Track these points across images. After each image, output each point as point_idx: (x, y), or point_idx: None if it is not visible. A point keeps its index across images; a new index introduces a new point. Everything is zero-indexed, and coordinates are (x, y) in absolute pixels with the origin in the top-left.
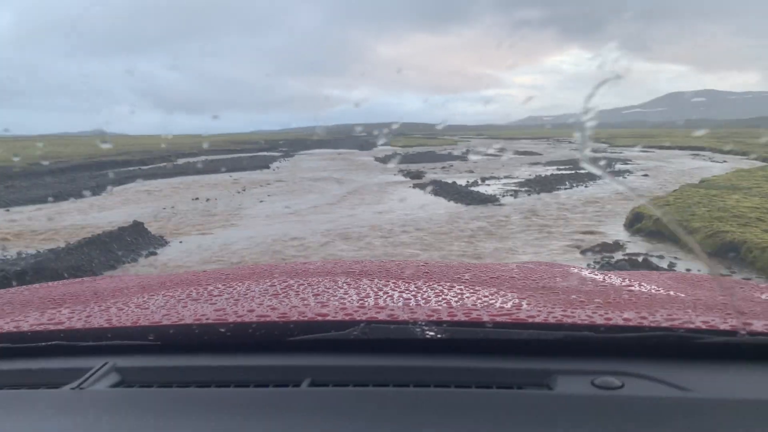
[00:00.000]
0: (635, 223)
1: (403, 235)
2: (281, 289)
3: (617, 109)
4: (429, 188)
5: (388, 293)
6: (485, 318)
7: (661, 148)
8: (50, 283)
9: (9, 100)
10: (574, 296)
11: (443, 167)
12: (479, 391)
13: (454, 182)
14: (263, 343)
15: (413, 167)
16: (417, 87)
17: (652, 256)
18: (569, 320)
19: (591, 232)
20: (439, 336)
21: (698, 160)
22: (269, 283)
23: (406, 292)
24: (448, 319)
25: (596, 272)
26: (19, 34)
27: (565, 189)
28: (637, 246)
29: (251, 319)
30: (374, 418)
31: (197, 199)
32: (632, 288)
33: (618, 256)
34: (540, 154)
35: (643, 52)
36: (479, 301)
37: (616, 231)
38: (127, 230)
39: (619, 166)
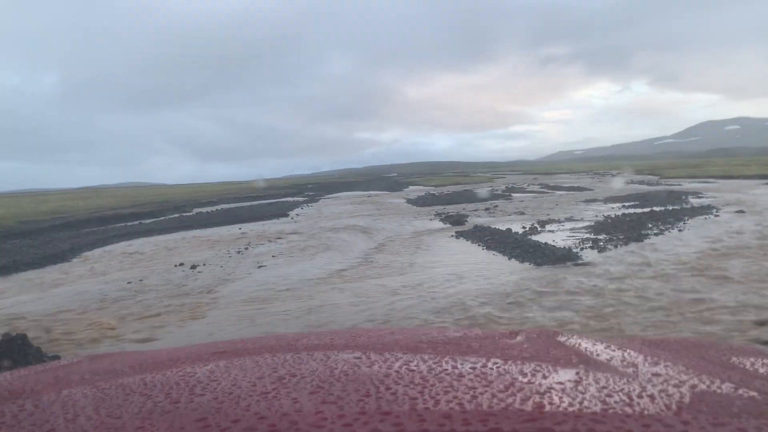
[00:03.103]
0: None
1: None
2: (271, 384)
3: (649, 140)
4: (477, 238)
5: (390, 387)
6: (505, 429)
7: (714, 177)
8: (19, 372)
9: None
10: (602, 384)
11: (486, 209)
12: None
13: (508, 229)
14: None
15: (451, 209)
16: (446, 126)
17: None
18: (605, 430)
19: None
20: None
21: None
22: (258, 373)
23: (411, 386)
24: (464, 429)
25: (613, 345)
26: (63, 91)
27: (656, 235)
28: None
29: None
30: None
31: (182, 264)
32: (658, 368)
33: None
34: (591, 190)
35: (673, 82)
36: (495, 399)
37: None
38: None
39: (693, 200)
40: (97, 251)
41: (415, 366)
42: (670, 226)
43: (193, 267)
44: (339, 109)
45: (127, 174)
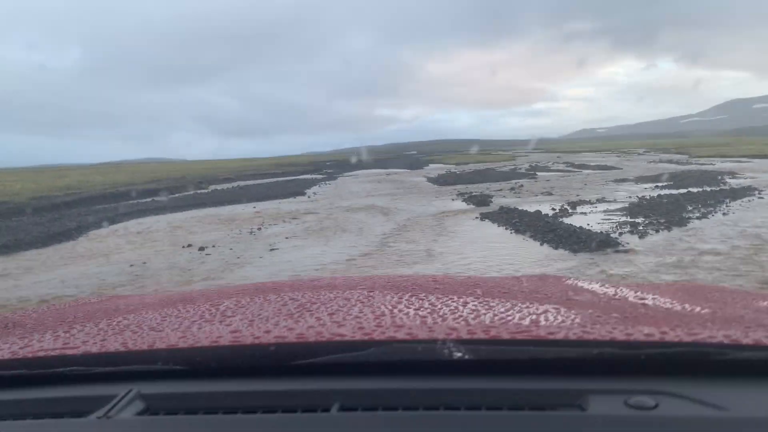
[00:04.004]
0: None
1: None
2: (294, 308)
3: (674, 119)
4: (504, 221)
5: (402, 310)
6: (505, 335)
7: (746, 156)
8: (58, 305)
9: (76, 130)
10: (590, 311)
11: (512, 188)
12: (512, 413)
13: (538, 211)
14: (285, 366)
15: (474, 189)
16: (467, 103)
17: None
18: (590, 336)
19: None
20: (466, 357)
21: None
22: (281, 302)
23: (422, 309)
24: (468, 337)
25: (607, 284)
26: (85, 67)
27: (699, 219)
28: None
29: (269, 341)
30: None
31: (189, 246)
32: (645, 301)
33: None
34: (619, 169)
35: (700, 60)
36: (496, 317)
37: None
38: None
39: (731, 181)
40: (105, 230)
41: (424, 296)
42: (712, 208)
43: (201, 249)
44: (359, 85)
45: (149, 150)
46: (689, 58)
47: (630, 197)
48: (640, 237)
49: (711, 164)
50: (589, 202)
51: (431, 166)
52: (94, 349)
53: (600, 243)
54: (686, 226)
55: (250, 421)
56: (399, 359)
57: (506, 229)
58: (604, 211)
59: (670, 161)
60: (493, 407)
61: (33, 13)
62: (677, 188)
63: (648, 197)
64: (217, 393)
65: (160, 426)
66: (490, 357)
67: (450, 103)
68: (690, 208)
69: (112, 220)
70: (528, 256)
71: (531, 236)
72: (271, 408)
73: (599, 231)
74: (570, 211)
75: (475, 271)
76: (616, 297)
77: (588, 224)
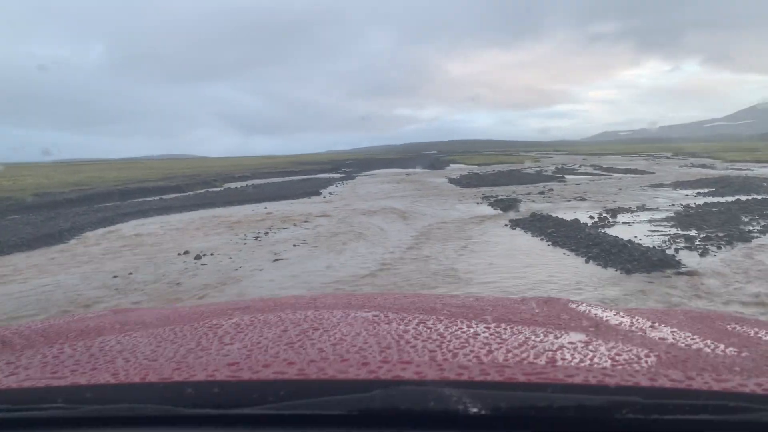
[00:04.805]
0: None
1: None
2: (296, 336)
3: (698, 123)
4: (538, 230)
5: (410, 342)
6: (521, 378)
7: None
8: (52, 320)
9: (99, 126)
10: (610, 344)
11: (540, 192)
12: None
13: (575, 219)
14: (282, 404)
15: (500, 192)
16: (488, 104)
17: None
18: (612, 382)
19: None
20: (482, 412)
21: None
22: (282, 328)
23: (430, 341)
24: (482, 378)
25: (619, 311)
26: (109, 63)
27: (762, 232)
28: None
29: (267, 377)
30: None
31: (186, 253)
32: (663, 334)
33: None
34: (652, 173)
35: (726, 63)
36: (510, 354)
37: None
38: None
39: None
40: (100, 231)
41: (432, 324)
42: None
43: (198, 257)
44: (379, 85)
45: (172, 146)
46: (715, 61)
47: (673, 205)
48: (700, 254)
49: (749, 170)
50: (630, 210)
51: (452, 166)
52: (83, 381)
53: (656, 263)
54: (750, 242)
55: None
56: (407, 408)
57: (541, 240)
58: (649, 221)
59: (703, 166)
60: None
61: (56, 9)
62: (722, 196)
63: (694, 205)
64: None
65: None
66: (508, 405)
67: (470, 103)
68: (746, 219)
69: (111, 221)
70: (574, 278)
71: (572, 250)
72: None
73: (651, 246)
74: (611, 220)
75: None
76: (633, 328)
77: (636, 237)
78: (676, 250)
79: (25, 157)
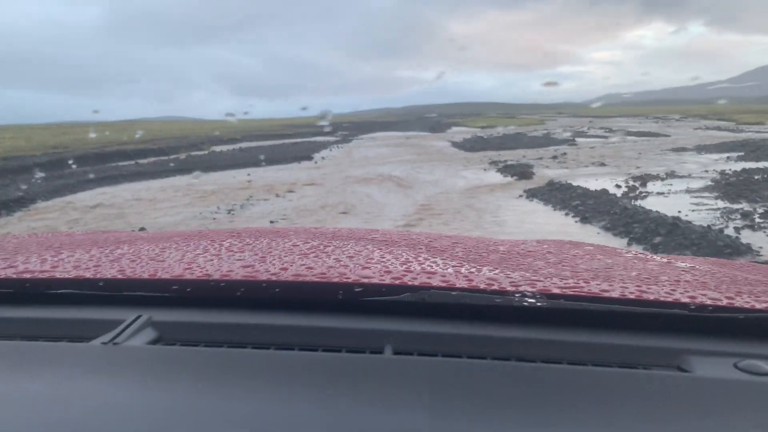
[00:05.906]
0: None
1: None
2: (307, 249)
3: (702, 85)
4: (559, 202)
5: (428, 259)
6: (554, 290)
7: None
8: (44, 234)
9: (96, 89)
10: (634, 273)
11: (553, 157)
12: (600, 370)
13: (603, 190)
14: (318, 303)
15: (509, 157)
16: (490, 65)
17: None
18: (652, 297)
19: None
20: (538, 304)
21: None
22: (291, 243)
23: (451, 257)
24: (513, 290)
25: (637, 251)
26: (106, 25)
27: None
28: None
29: (287, 278)
30: (480, 392)
31: (141, 230)
32: (683, 270)
33: None
34: (666, 136)
35: (732, 23)
36: (539, 273)
37: None
38: None
39: None
40: (56, 200)
41: (449, 252)
42: None
43: None
44: (380, 46)
45: (170, 108)
46: (720, 22)
47: (706, 171)
48: (762, 232)
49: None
50: (659, 178)
51: (454, 129)
52: (88, 275)
53: (721, 247)
54: None
55: (283, 357)
56: (455, 303)
57: (567, 214)
58: (687, 191)
59: (718, 128)
60: (575, 362)
61: None
62: (757, 160)
63: (730, 171)
64: (243, 325)
65: (177, 357)
66: (568, 308)
67: (472, 64)
68: None
69: (71, 189)
70: None
71: (607, 230)
72: (310, 346)
73: (702, 224)
74: (641, 190)
75: None
76: (655, 262)
77: (680, 212)
78: (736, 229)
79: (20, 119)
